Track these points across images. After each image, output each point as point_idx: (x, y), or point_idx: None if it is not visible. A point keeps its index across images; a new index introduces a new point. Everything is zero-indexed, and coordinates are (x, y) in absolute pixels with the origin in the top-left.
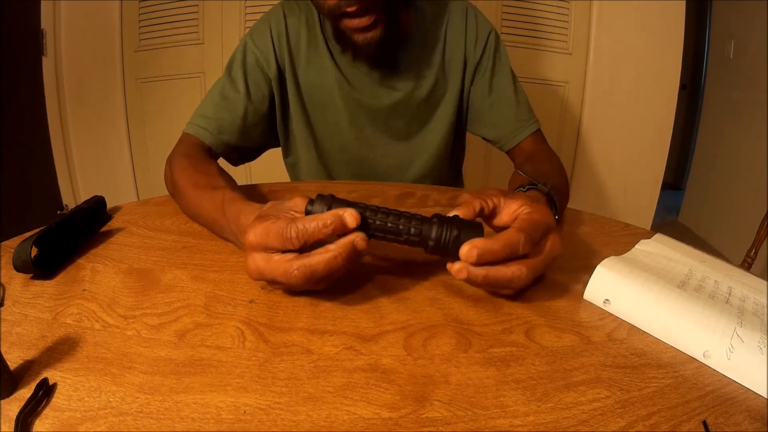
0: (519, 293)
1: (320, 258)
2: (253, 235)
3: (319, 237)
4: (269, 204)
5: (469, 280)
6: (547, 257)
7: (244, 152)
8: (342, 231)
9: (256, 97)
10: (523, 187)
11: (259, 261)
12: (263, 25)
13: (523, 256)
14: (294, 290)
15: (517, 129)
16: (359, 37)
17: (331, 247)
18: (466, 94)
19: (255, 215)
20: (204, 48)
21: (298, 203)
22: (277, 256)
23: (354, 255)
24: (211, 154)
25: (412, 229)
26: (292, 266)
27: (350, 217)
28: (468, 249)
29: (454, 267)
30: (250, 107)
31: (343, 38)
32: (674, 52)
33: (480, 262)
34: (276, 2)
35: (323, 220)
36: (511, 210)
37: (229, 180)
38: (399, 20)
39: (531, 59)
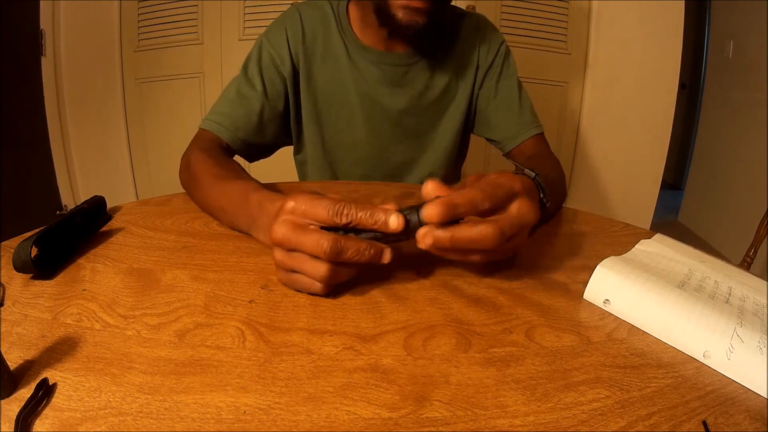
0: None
1: (354, 242)
2: (296, 201)
3: (363, 226)
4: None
5: (437, 244)
6: (513, 220)
7: (259, 149)
8: (383, 230)
9: (272, 95)
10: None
11: (288, 226)
12: (278, 25)
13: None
14: (300, 285)
15: (519, 131)
16: (405, 16)
17: (364, 243)
18: (475, 97)
19: (279, 202)
20: (203, 48)
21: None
22: (312, 227)
23: (376, 261)
24: (228, 150)
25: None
26: (324, 236)
27: (394, 224)
28: (431, 206)
29: (419, 233)
30: (266, 105)
31: (385, 13)
32: (673, 51)
33: (443, 219)
34: (276, 1)
35: (372, 214)
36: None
37: (250, 175)
38: (443, 21)
39: (530, 59)
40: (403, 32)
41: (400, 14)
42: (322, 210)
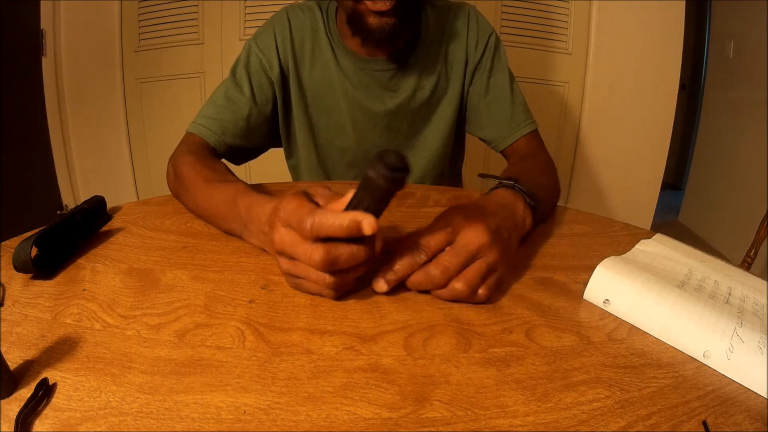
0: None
1: (346, 248)
2: (284, 210)
3: (333, 235)
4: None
5: (391, 286)
6: (459, 251)
7: (246, 153)
8: (357, 236)
9: (261, 99)
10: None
11: (285, 235)
12: (267, 29)
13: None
14: (309, 291)
15: (511, 130)
16: (374, 21)
17: (355, 246)
18: (466, 94)
19: (269, 206)
20: (204, 48)
21: (320, 192)
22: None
23: (372, 255)
24: (214, 153)
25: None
26: (316, 248)
27: (368, 226)
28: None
29: (377, 282)
30: (254, 109)
31: (357, 21)
32: (674, 51)
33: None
34: (275, 1)
35: (341, 221)
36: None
37: (237, 178)
38: (415, 19)
39: (531, 59)
40: (375, 37)
41: (370, 20)
42: (294, 225)
